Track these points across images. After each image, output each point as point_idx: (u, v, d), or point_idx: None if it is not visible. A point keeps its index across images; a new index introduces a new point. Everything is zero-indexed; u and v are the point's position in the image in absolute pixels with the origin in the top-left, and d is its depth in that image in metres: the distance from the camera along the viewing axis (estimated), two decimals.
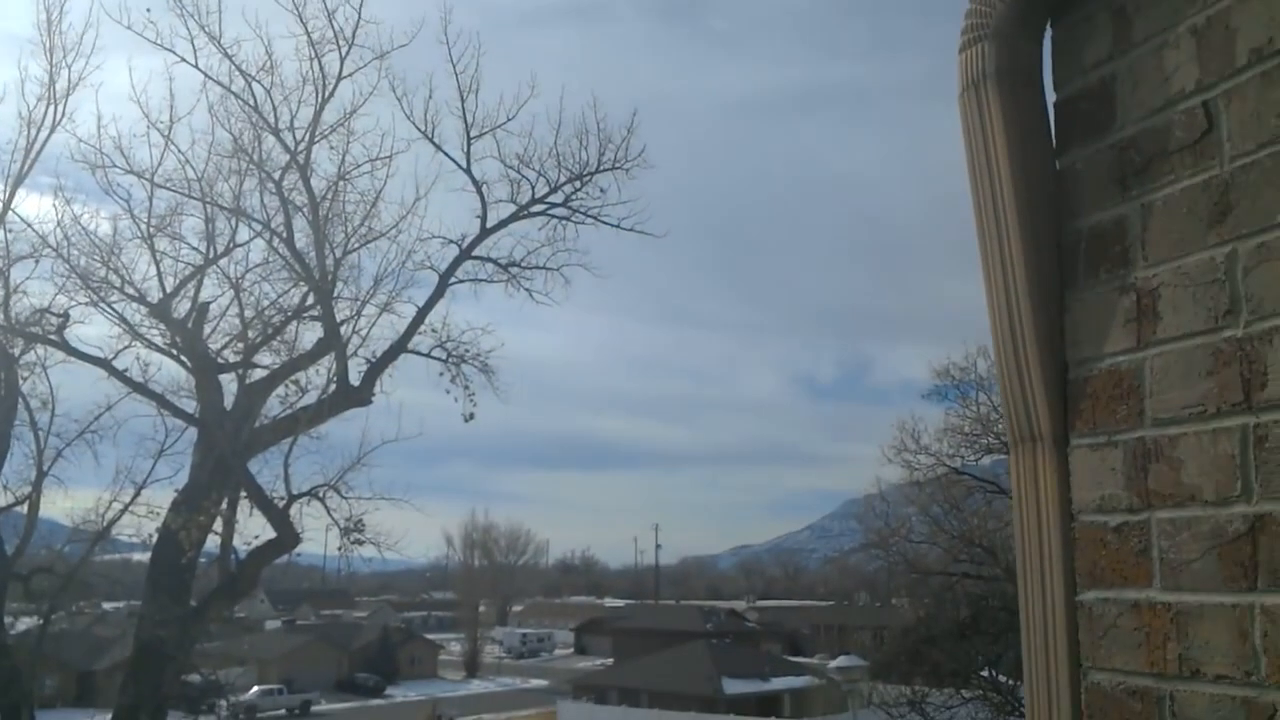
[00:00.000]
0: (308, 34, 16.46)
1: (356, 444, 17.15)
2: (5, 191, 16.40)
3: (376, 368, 17.01)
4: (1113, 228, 1.57)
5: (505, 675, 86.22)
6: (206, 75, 16.48)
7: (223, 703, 19.47)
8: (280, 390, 17.21)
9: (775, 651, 78.04)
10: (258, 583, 20.12)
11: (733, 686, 57.48)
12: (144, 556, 18.39)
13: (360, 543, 16.99)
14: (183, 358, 16.74)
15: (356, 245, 17.20)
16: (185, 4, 16.01)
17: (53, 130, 16.54)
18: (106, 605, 26.11)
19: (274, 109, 16.55)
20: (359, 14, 16.39)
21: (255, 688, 60.76)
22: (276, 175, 16.72)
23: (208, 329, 17.54)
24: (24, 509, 17.78)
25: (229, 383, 17.22)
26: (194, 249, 17.44)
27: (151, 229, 16.68)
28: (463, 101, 17.00)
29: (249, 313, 17.81)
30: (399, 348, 17.25)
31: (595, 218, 17.89)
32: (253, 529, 16.60)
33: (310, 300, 17.30)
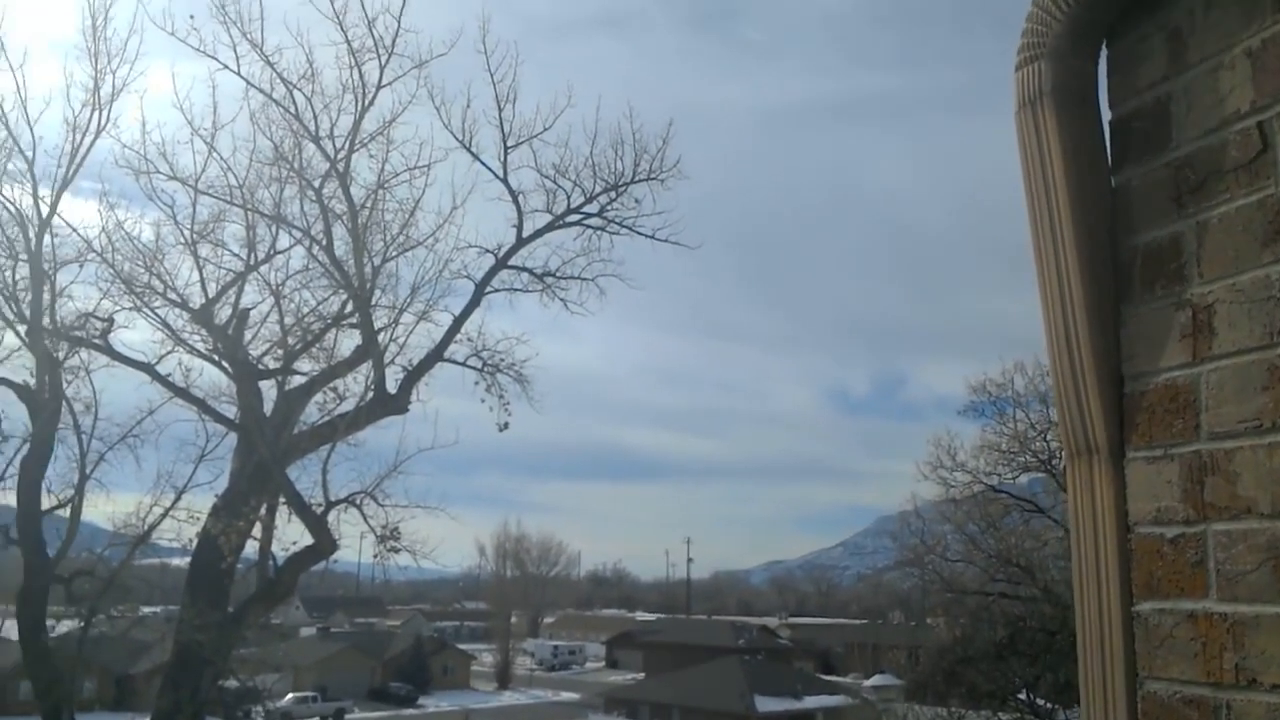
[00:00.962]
0: (348, 42, 16.71)
1: (393, 451, 17.31)
2: (51, 196, 16.75)
3: (413, 376, 17.17)
4: (1168, 244, 1.59)
5: (536, 687, 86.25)
6: (248, 82, 16.77)
7: (259, 709, 19.62)
8: (319, 397, 17.43)
9: (808, 669, 77.55)
10: (295, 589, 20.32)
11: (765, 704, 57.14)
12: (183, 561, 18.64)
13: (396, 550, 17.13)
14: (224, 363, 16.98)
15: (395, 254, 17.41)
16: (228, 11, 16.32)
17: (97, 135, 16.88)
18: (145, 609, 26.42)
19: (314, 117, 16.80)
20: (399, 23, 16.61)
21: (290, 694, 61.20)
22: (317, 183, 16.95)
23: (248, 335, 17.80)
24: (66, 512, 18.07)
25: (268, 389, 17.46)
26: (235, 255, 17.72)
27: (194, 235, 16.97)
28: (500, 111, 17.18)
29: (289, 320, 18.05)
30: (435, 356, 17.41)
31: (630, 228, 18.00)
32: (291, 535, 16.78)
33: (349, 308, 17.50)
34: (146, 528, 18.16)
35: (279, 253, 18.01)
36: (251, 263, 17.68)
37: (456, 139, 17.25)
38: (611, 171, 17.60)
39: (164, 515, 17.93)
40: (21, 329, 16.67)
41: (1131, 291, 1.65)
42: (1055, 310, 1.70)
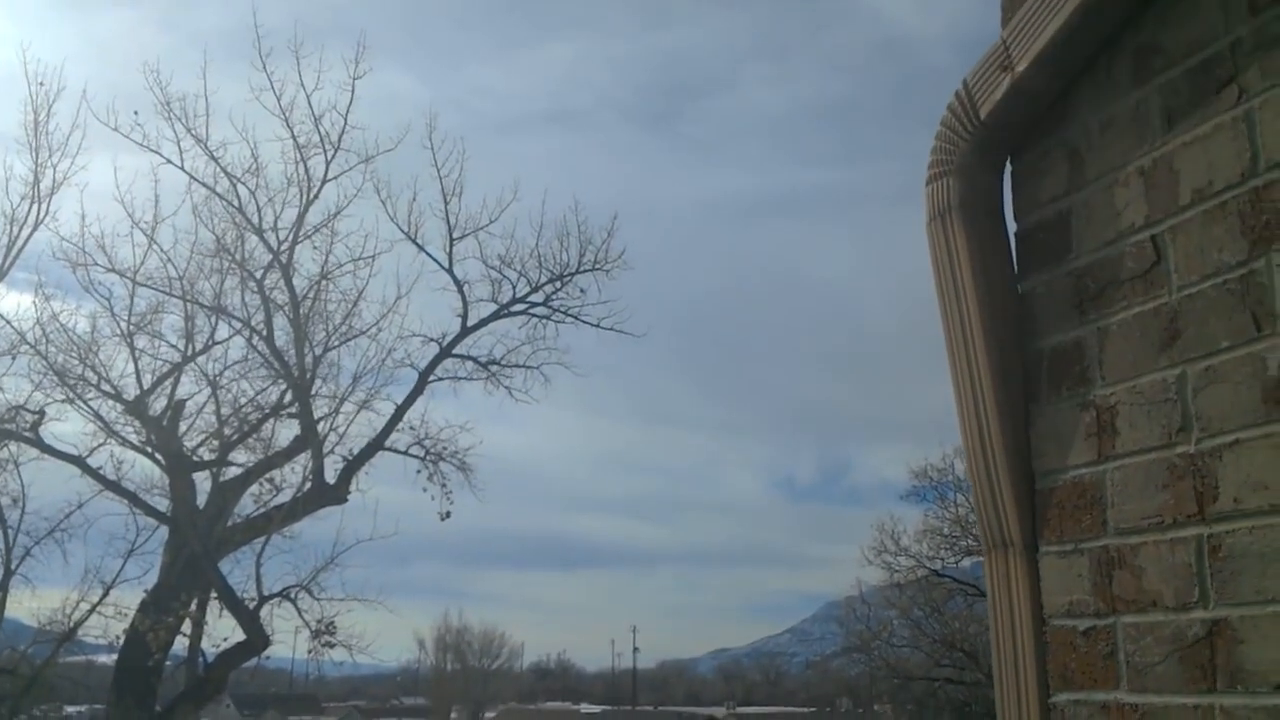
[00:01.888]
0: (294, 138, 16.80)
1: (330, 543, 16.89)
2: None
3: (353, 465, 16.93)
4: (1072, 349, 1.68)
5: None
6: (192, 176, 16.73)
7: None
8: (254, 488, 17.08)
9: None
10: (225, 687, 19.64)
11: None
12: (110, 658, 17.93)
13: (331, 645, 16.67)
14: (157, 455, 16.62)
15: (337, 343, 17.28)
16: (173, 108, 16.34)
17: (35, 228, 16.65)
18: (70, 708, 25.35)
19: (258, 210, 16.78)
20: (345, 120, 16.76)
21: None
22: (258, 274, 16.86)
23: (183, 426, 17.45)
24: None
25: (202, 480, 17.07)
26: (172, 346, 17.46)
27: (131, 327, 16.72)
28: (446, 204, 17.31)
29: (225, 410, 17.74)
30: (376, 445, 17.21)
31: (575, 317, 18.10)
32: (222, 630, 16.26)
33: (288, 398, 17.30)
34: (72, 624, 17.49)
35: (218, 343, 17.80)
36: (189, 353, 17.45)
37: (402, 231, 17.33)
38: (557, 262, 17.77)
39: (91, 611, 17.30)
40: None
41: (1040, 393, 1.73)
42: (969, 411, 1.78)
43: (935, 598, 28.25)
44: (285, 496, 16.81)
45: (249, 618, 15.89)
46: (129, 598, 16.77)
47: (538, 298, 18.08)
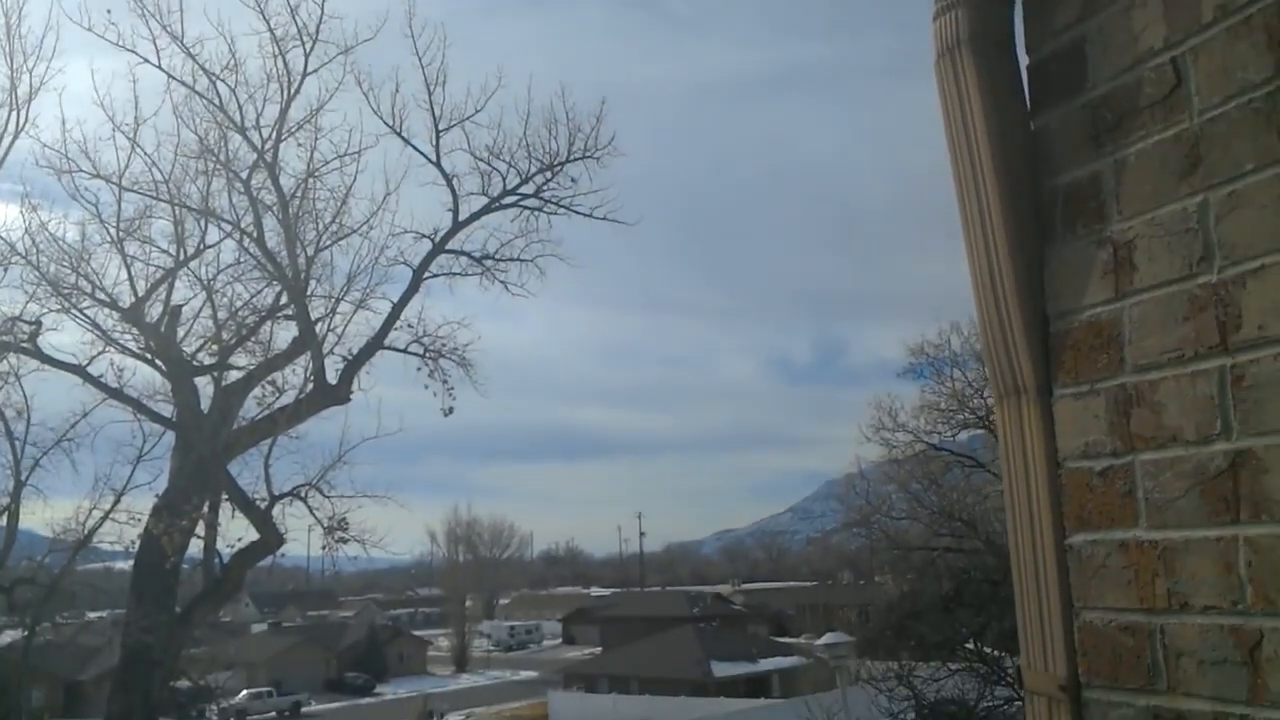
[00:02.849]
0: (271, 31, 16.40)
1: (336, 442, 17.12)
2: None
3: (353, 365, 16.97)
4: (1088, 184, 1.62)
5: (494, 668, 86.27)
6: (170, 75, 16.40)
7: (212, 707, 19.40)
8: (257, 391, 17.19)
9: (762, 633, 78.49)
10: (242, 586, 20.07)
11: (721, 669, 57.77)
12: (126, 564, 18.29)
13: (344, 541, 16.97)
14: (157, 362, 16.65)
15: (328, 243, 17.17)
16: (146, 4, 15.94)
17: (16, 136, 16.40)
18: (91, 614, 25.93)
19: (239, 107, 16.47)
20: (322, 9, 16.35)
21: (244, 691, 60.53)
22: (244, 175, 16.64)
23: (181, 332, 17.45)
24: (2, 520, 17.64)
25: (205, 385, 17.16)
26: (164, 252, 17.36)
27: (120, 233, 16.58)
28: (430, 95, 16.98)
29: (222, 314, 17.74)
30: (375, 344, 17.22)
31: (567, 207, 17.91)
32: (235, 531, 16.56)
33: (284, 300, 17.23)
34: (86, 532, 17.81)
35: (209, 247, 17.69)
36: (181, 258, 17.34)
37: (386, 124, 17.04)
38: (546, 151, 17.50)
39: (104, 519, 17.60)
40: None
41: (1053, 232, 1.67)
42: (980, 255, 1.72)
43: (933, 471, 28.66)
44: (288, 398, 16.93)
45: (261, 517, 16.14)
46: (141, 503, 17.05)
47: (528, 189, 17.87)
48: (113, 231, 16.54)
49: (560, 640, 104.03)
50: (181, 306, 17.60)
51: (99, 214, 16.57)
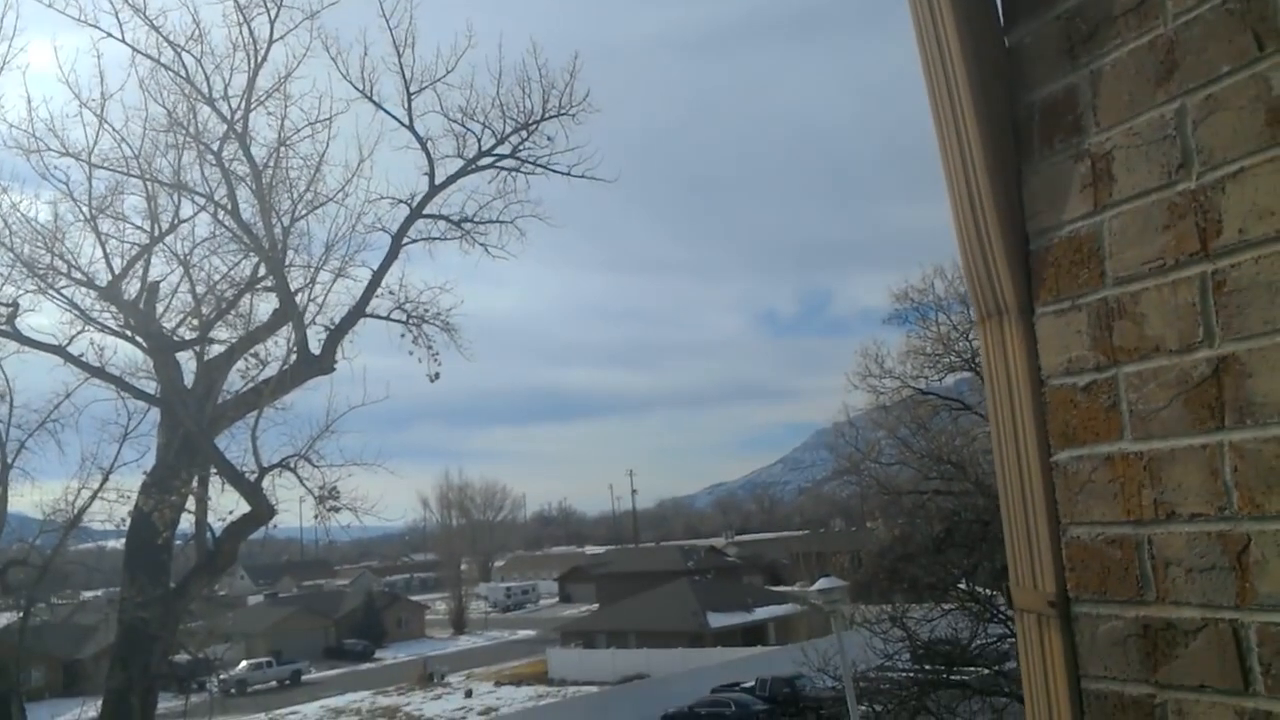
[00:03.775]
0: None
1: (323, 413, 17.07)
2: None
3: (336, 334, 16.87)
4: (1064, 97, 1.60)
5: (493, 629, 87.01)
6: (134, 49, 16.12)
7: (213, 679, 19.50)
8: (240, 364, 17.08)
9: (757, 583, 79.33)
10: (236, 558, 20.07)
11: (718, 620, 58.43)
12: (119, 542, 18.30)
13: (336, 509, 16.97)
14: (137, 339, 16.53)
15: (304, 212, 16.99)
16: None
17: None
18: (85, 594, 25.98)
19: (206, 78, 16.22)
20: None
21: (244, 662, 60.91)
22: (215, 146, 16.43)
23: (160, 308, 17.30)
24: None
25: (187, 360, 17.05)
26: (138, 228, 17.18)
27: (93, 211, 16.39)
28: (399, 57, 16.74)
29: (200, 288, 17.58)
30: (357, 312, 17.12)
31: (545, 167, 17.75)
32: (226, 505, 16.54)
33: (262, 271, 17.09)
34: (76, 512, 17.76)
35: (183, 221, 17.50)
36: (156, 234, 17.15)
37: (357, 89, 16.81)
38: (520, 110, 17.30)
39: (93, 497, 17.54)
40: None
41: (1031, 149, 1.65)
42: (958, 177, 1.70)
43: (921, 415, 28.82)
44: (272, 370, 16.83)
45: (251, 489, 16.12)
46: (129, 481, 17.00)
47: (504, 149, 17.69)
48: (85, 210, 16.36)
49: (557, 599, 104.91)
50: (159, 283, 17.45)
51: (70, 193, 16.38)
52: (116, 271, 16.50)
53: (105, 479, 17.49)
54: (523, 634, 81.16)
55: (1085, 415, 1.55)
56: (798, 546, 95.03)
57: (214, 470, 16.33)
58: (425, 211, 17.62)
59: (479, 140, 17.40)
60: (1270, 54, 1.31)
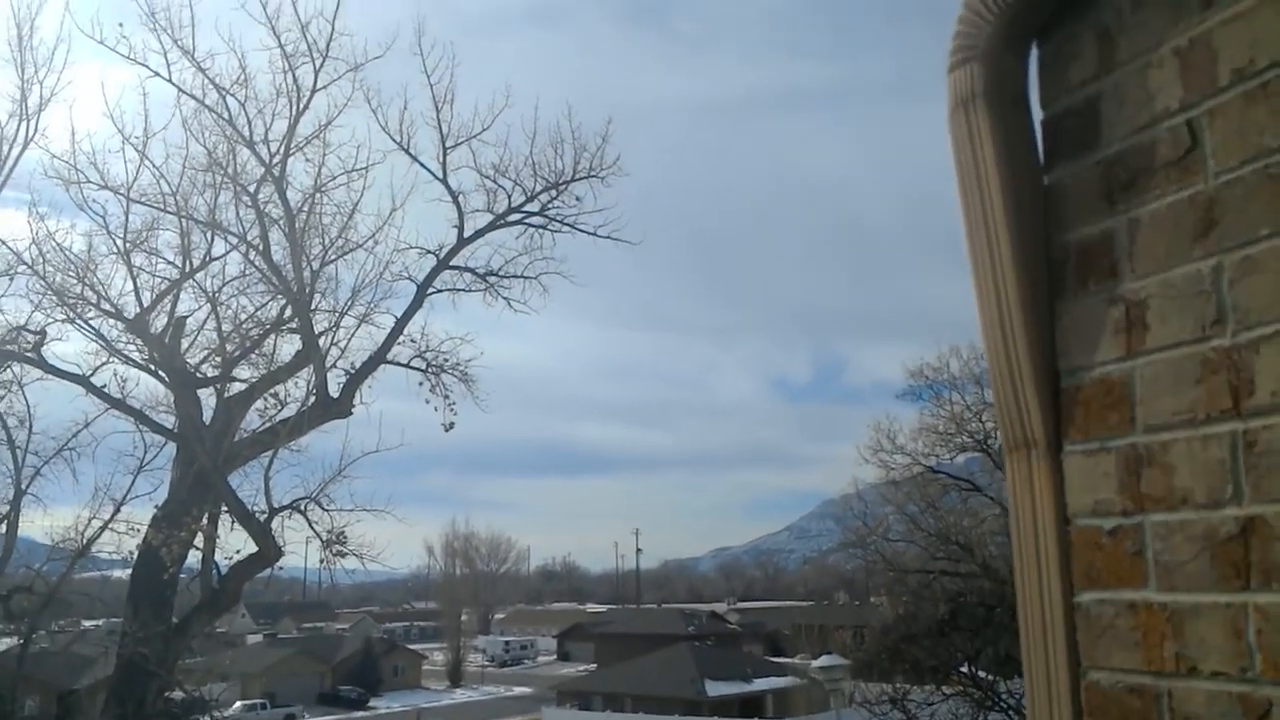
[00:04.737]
0: (281, 47, 16.47)
1: (337, 456, 17.12)
2: None
3: (355, 379, 16.98)
4: (1100, 241, 1.62)
5: (489, 684, 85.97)
6: (180, 89, 16.46)
7: (206, 718, 19.32)
8: (259, 403, 17.19)
9: (757, 652, 78.28)
10: (240, 598, 20.00)
11: (716, 689, 57.54)
12: (124, 574, 18.25)
13: (342, 554, 16.95)
14: (160, 373, 16.66)
15: (334, 257, 17.19)
16: (158, 18, 16.00)
17: (25, 147, 16.46)
18: (87, 623, 25.88)
19: (248, 122, 16.53)
20: (333, 26, 16.41)
21: (238, 703, 60.27)
22: (252, 188, 16.68)
23: (185, 343, 17.47)
24: (2, 528, 17.62)
25: (207, 397, 17.17)
26: (170, 263, 17.41)
27: (127, 244, 16.63)
28: (438, 112, 17.04)
29: (226, 326, 17.76)
30: (378, 359, 17.23)
31: (572, 226, 17.94)
32: (234, 543, 16.54)
33: (288, 313, 17.25)
34: (85, 541, 17.77)
35: (215, 259, 17.74)
36: (187, 270, 17.39)
37: (394, 141, 17.10)
38: (551, 170, 17.54)
39: (103, 528, 17.57)
40: None
41: (1065, 288, 1.68)
42: (991, 308, 1.73)
43: (930, 493, 28.67)
44: (290, 411, 16.93)
45: (260, 530, 16.12)
46: (140, 514, 17.03)
47: (533, 207, 17.90)
48: (119, 243, 16.61)
49: (555, 656, 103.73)
50: (186, 318, 17.64)
51: (106, 225, 16.65)
52: (145, 304, 16.70)
53: (117, 510, 17.55)
54: (519, 690, 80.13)
55: (1110, 559, 1.55)
56: (800, 617, 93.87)
57: (225, 508, 16.35)
58: (452, 263, 17.80)
59: (509, 196, 17.63)
60: None
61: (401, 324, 17.29)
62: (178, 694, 17.71)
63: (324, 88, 16.68)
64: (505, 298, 18.07)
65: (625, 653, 69.94)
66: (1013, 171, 1.72)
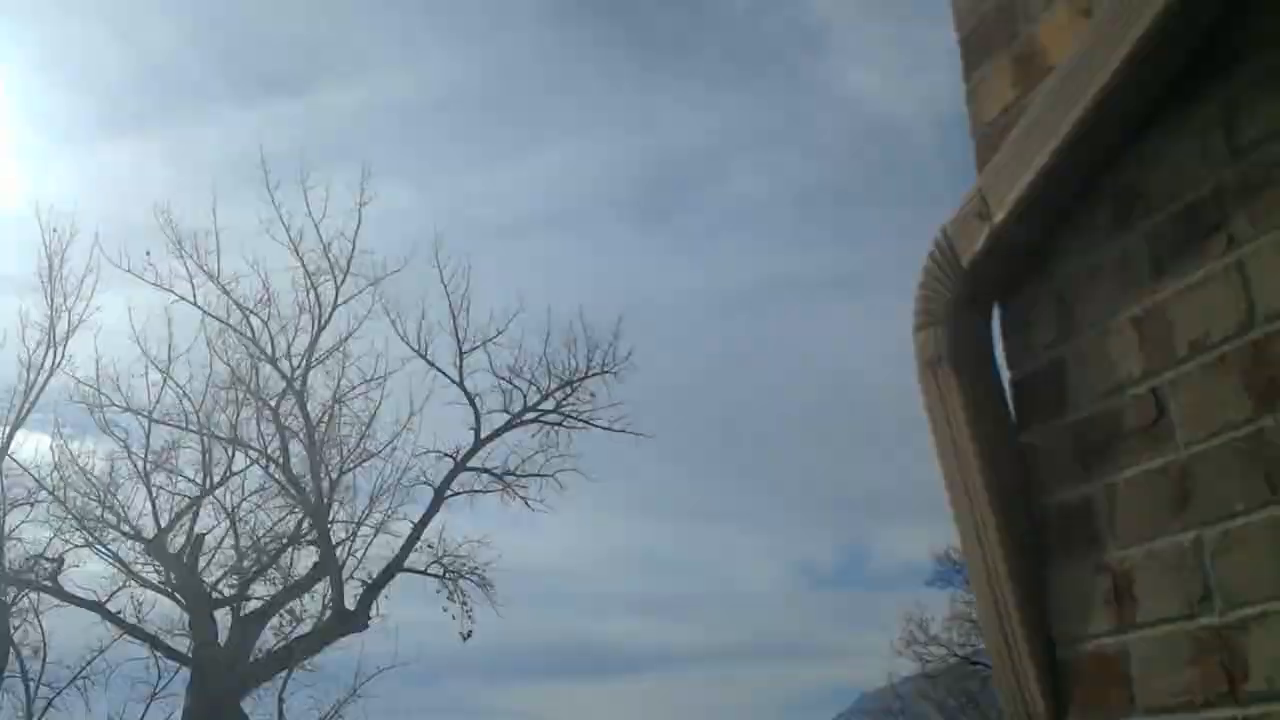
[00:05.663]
0: (304, 266, 16.98)
1: (351, 671, 16.67)
2: (3, 436, 16.48)
3: (372, 590, 16.69)
4: (1079, 507, 1.59)
5: None
6: (205, 311, 16.90)
7: None
8: (274, 620, 16.86)
9: None
10: None
11: None
12: None
13: None
14: (177, 595, 16.44)
15: (352, 465, 17.21)
16: (184, 245, 16.60)
17: (51, 373, 16.77)
18: None
19: (271, 339, 16.89)
20: (354, 245, 16.97)
21: None
22: (273, 403, 16.89)
23: (203, 561, 17.30)
24: None
25: (223, 615, 16.86)
26: (190, 480, 17.41)
27: (148, 465, 16.72)
28: (454, 320, 17.37)
29: (244, 542, 17.61)
30: (395, 567, 16.98)
31: (587, 422, 17.95)
32: None
33: (306, 525, 17.16)
34: None
35: (235, 474, 17.74)
36: (207, 486, 17.39)
37: (413, 349, 17.37)
38: (565, 368, 17.74)
39: None
40: None
41: (1051, 553, 1.64)
42: (980, 575, 1.68)
43: (969, 688, 27.59)
44: (305, 627, 16.59)
45: None
46: None
47: (548, 405, 17.98)
48: (140, 464, 16.70)
49: None
50: (204, 535, 17.54)
51: (128, 447, 16.77)
52: (164, 524, 16.63)
53: None
54: None
55: None
56: None
57: None
58: (469, 464, 17.78)
59: (524, 396, 17.75)
60: None
61: (419, 529, 17.12)
62: None
63: (345, 302, 17.12)
64: (522, 497, 17.93)
65: None
66: (984, 433, 1.71)
